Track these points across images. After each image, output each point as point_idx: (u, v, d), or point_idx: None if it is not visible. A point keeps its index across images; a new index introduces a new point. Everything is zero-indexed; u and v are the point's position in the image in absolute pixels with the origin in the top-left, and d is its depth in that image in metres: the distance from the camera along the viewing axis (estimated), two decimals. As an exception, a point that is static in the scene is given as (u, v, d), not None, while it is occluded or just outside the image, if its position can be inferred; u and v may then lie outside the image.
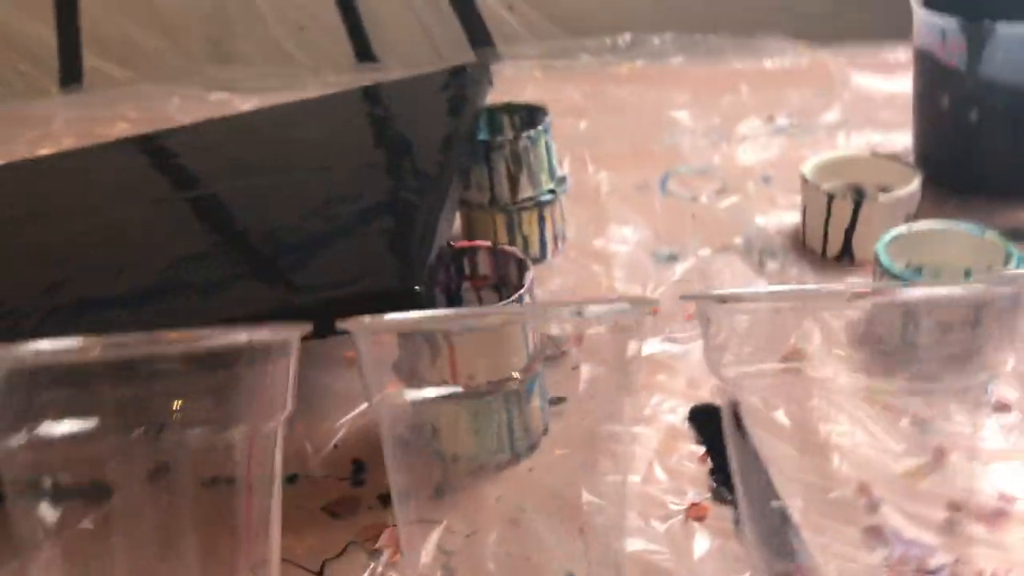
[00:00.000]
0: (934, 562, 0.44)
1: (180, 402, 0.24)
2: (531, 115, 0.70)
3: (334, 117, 0.76)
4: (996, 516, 0.46)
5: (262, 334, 0.24)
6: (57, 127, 1.03)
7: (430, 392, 0.31)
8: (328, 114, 0.77)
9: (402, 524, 0.37)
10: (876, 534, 0.45)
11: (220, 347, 0.24)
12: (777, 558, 0.31)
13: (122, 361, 0.23)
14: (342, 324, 0.28)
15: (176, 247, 0.60)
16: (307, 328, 0.27)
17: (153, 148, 0.80)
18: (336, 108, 0.78)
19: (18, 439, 0.25)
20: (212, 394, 0.25)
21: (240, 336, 0.24)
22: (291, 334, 0.26)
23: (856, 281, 0.64)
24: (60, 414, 0.24)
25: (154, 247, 0.61)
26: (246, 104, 1.02)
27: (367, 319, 0.27)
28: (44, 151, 0.97)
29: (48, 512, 0.25)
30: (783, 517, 0.32)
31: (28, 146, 0.99)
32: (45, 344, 0.23)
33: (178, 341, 0.23)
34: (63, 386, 0.24)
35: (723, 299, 0.27)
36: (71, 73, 1.15)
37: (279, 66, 1.40)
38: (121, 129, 1.03)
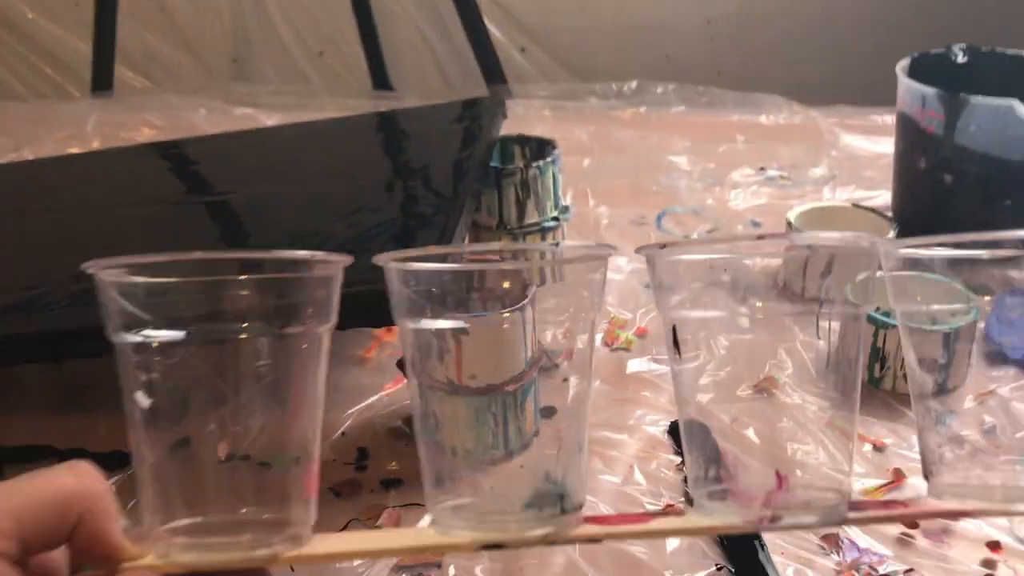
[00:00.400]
0: (884, 569, 0.48)
1: (251, 306, 0.32)
2: (541, 147, 0.75)
3: (357, 137, 0.81)
4: (942, 532, 0.50)
5: (318, 255, 0.33)
6: (87, 129, 1.08)
7: (443, 323, 0.36)
8: (352, 134, 0.82)
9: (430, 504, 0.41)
10: (832, 541, 0.50)
11: (287, 259, 0.33)
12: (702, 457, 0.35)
13: (206, 272, 0.32)
14: (376, 258, 0.33)
15: (197, 243, 0.64)
16: (349, 260, 0.33)
17: (181, 154, 0.85)
18: (359, 129, 0.83)
19: (130, 337, 0.32)
20: (276, 299, 0.33)
21: (302, 253, 0.33)
22: (339, 260, 0.34)
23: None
24: (158, 324, 0.32)
25: (175, 242, 0.65)
26: (270, 120, 1.07)
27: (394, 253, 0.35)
28: (74, 150, 1.01)
29: (143, 400, 0.32)
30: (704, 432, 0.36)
31: (58, 144, 1.04)
32: (146, 264, 0.31)
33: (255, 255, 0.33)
34: (161, 300, 0.32)
35: (663, 246, 0.33)
36: (102, 81, 1.20)
37: (298, 86, 1.45)
38: (147, 135, 1.08)
